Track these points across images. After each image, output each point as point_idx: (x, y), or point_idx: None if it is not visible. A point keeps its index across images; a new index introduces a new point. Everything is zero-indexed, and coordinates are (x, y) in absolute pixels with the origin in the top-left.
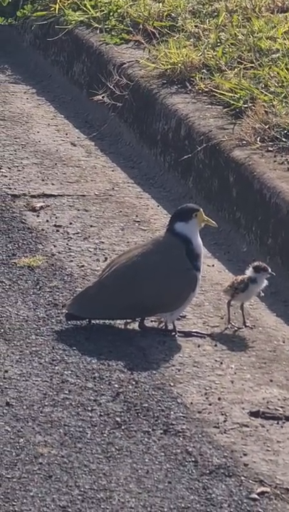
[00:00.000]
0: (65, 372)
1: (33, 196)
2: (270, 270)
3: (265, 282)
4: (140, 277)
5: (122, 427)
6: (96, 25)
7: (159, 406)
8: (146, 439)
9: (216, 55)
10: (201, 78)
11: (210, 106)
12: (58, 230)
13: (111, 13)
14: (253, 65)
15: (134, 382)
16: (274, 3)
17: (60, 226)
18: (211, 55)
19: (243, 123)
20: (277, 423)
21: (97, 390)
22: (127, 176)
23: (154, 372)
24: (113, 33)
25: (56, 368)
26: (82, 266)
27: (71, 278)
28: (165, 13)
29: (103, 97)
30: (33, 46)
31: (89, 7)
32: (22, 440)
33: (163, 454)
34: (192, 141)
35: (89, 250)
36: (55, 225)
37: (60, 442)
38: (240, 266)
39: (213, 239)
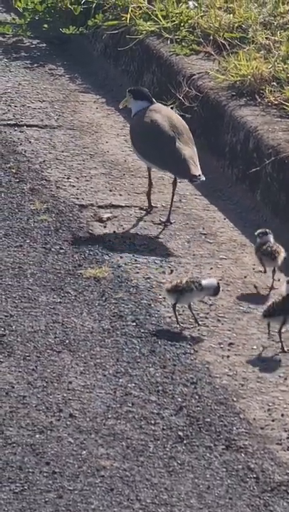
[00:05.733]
0: (129, 384)
1: (100, 207)
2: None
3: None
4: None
5: (185, 442)
6: (167, 35)
7: (222, 421)
8: (208, 454)
9: (286, 67)
10: (271, 91)
11: (279, 119)
12: (124, 241)
13: (182, 24)
14: None
15: (197, 397)
16: None
17: (126, 237)
18: (281, 68)
19: None
20: None
21: (160, 403)
22: (194, 187)
23: (217, 386)
24: (183, 44)
25: (120, 380)
26: (148, 278)
27: (137, 290)
28: (236, 25)
29: (172, 107)
30: (104, 55)
31: (160, 17)
32: (84, 452)
33: (224, 469)
34: (260, 154)
35: (155, 262)
36: (121, 236)
37: (122, 455)
38: None
39: None
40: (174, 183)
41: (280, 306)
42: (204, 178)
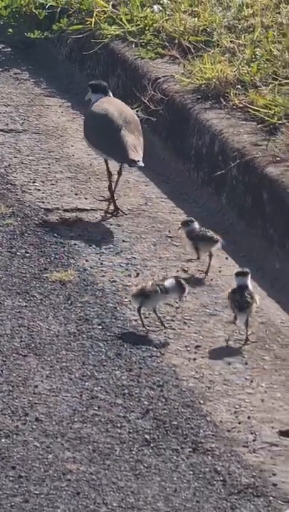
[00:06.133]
0: (95, 388)
1: (66, 210)
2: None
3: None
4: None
5: (151, 445)
6: (131, 39)
7: (188, 424)
8: (174, 457)
9: (250, 70)
10: (236, 94)
11: (244, 122)
12: (90, 245)
13: (147, 28)
14: (288, 81)
15: (163, 400)
16: None
17: (92, 241)
18: (245, 71)
19: (277, 139)
20: None
21: (126, 406)
22: (160, 191)
23: (184, 389)
24: (148, 48)
25: (86, 383)
26: (114, 281)
27: (102, 293)
28: (201, 28)
29: (137, 111)
30: (69, 59)
31: (125, 21)
32: (51, 456)
33: (191, 472)
34: (226, 157)
35: (121, 265)
36: (87, 240)
37: (88, 459)
38: (272, 283)
39: (246, 255)
40: (119, 172)
41: (246, 298)
42: (143, 164)
